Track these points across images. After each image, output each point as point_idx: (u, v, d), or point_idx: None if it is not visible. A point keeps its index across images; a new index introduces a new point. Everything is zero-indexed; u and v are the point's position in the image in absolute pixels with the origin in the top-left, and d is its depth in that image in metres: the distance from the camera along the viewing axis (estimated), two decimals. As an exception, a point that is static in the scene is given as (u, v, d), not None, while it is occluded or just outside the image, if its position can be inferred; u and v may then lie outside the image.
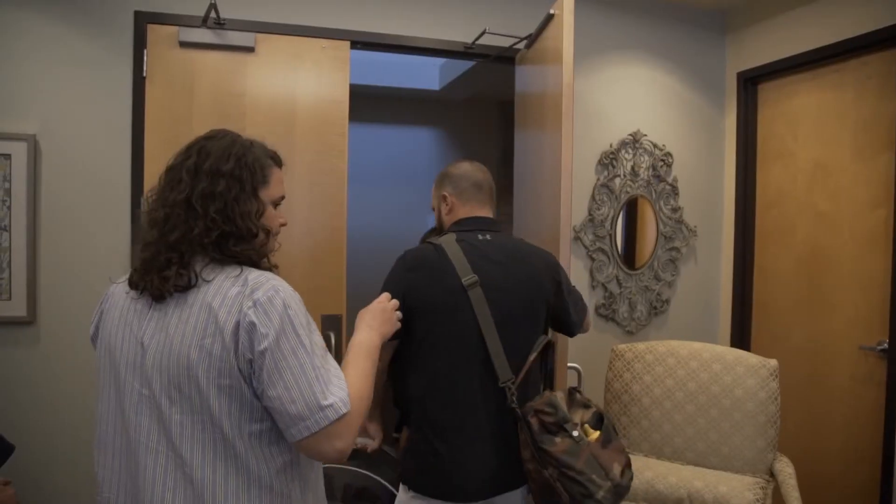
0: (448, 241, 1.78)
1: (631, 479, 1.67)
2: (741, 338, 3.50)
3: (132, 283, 1.21)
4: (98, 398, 1.25)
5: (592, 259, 3.36)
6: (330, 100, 2.90)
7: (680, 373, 2.53)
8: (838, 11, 2.93)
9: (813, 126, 3.11)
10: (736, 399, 2.43)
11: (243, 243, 1.20)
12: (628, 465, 1.67)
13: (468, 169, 1.94)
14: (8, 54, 2.56)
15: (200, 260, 1.18)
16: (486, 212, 1.91)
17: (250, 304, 1.11)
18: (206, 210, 1.18)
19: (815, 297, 3.06)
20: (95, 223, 2.68)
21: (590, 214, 3.35)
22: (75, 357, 2.66)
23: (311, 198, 2.88)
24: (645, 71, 3.46)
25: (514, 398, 1.68)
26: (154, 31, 2.72)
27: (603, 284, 3.39)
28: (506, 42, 3.04)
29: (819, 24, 3.02)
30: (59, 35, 2.62)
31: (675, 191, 3.51)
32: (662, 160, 3.46)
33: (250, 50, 2.81)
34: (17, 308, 2.57)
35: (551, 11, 2.48)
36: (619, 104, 3.41)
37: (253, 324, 1.10)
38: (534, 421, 1.64)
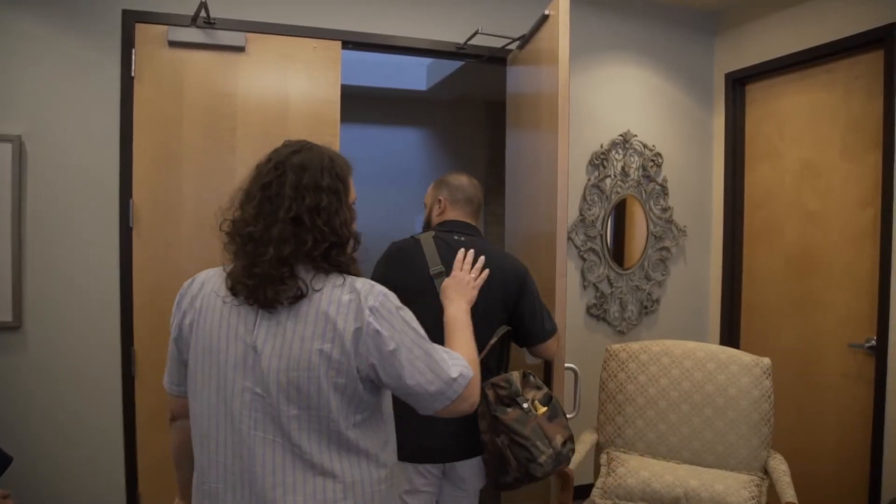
0: (426, 237, 2.00)
1: (572, 451, 1.92)
2: (731, 337, 3.53)
3: (235, 292, 1.26)
4: (192, 395, 1.31)
5: (583, 259, 3.37)
6: (321, 100, 2.87)
7: (674, 372, 2.53)
8: (826, 14, 2.96)
9: (801, 126, 3.14)
10: (730, 398, 2.44)
11: (343, 252, 1.29)
12: (570, 438, 1.92)
13: (465, 182, 2.15)
14: (-8, 53, 2.51)
15: (304, 270, 1.25)
16: (470, 220, 2.12)
17: (367, 311, 1.22)
18: (314, 224, 1.25)
19: (805, 295, 3.09)
20: (83, 225, 2.64)
21: (581, 215, 3.36)
22: (64, 362, 2.62)
23: (302, 199, 2.86)
24: (635, 71, 3.48)
25: None
26: (142, 31, 2.68)
27: (594, 284, 3.40)
28: (497, 42, 3.03)
29: (807, 26, 3.05)
30: (45, 34, 2.57)
31: (664, 191, 3.53)
32: (652, 160, 3.48)
33: (241, 50, 2.78)
34: (3, 313, 2.52)
35: (546, 12, 2.47)
36: (610, 104, 3.42)
37: (377, 331, 1.21)
38: (490, 393, 1.89)
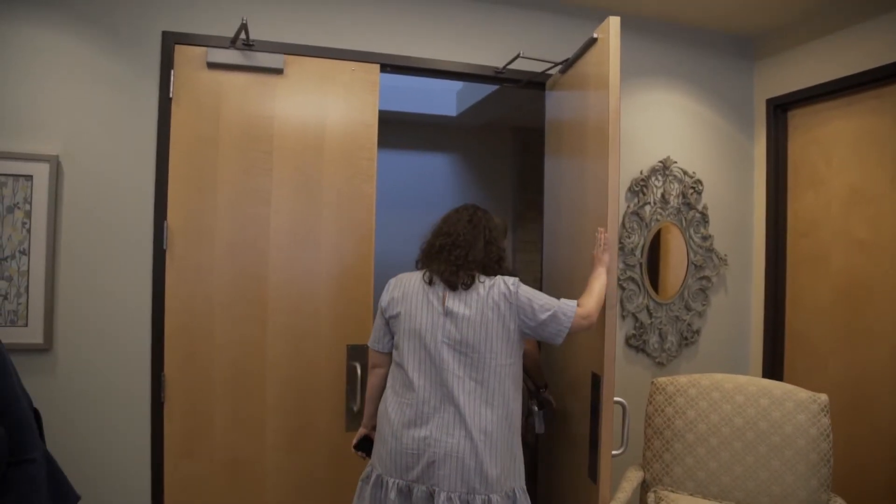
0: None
1: None
2: (773, 370, 3.39)
3: (430, 282, 2.11)
4: (402, 343, 2.10)
5: (623, 288, 3.27)
6: (359, 123, 2.83)
7: (726, 407, 2.42)
8: (873, 38, 2.88)
9: (848, 153, 3.05)
10: (786, 436, 2.32)
11: (498, 267, 2.17)
12: None
13: None
14: (32, 73, 2.50)
15: (477, 274, 2.10)
16: None
17: (509, 290, 2.05)
18: (489, 249, 2.16)
19: (855, 327, 2.97)
20: (117, 247, 2.59)
21: (620, 243, 3.27)
22: (94, 385, 2.56)
23: (339, 223, 2.80)
24: (674, 97, 3.41)
25: None
26: (182, 52, 2.66)
27: (633, 314, 3.30)
28: (537, 67, 2.98)
29: (852, 50, 2.97)
30: (84, 55, 2.56)
31: (705, 219, 3.43)
32: (692, 187, 3.39)
33: (279, 72, 2.74)
34: (34, 335, 2.47)
35: (595, 35, 2.42)
36: (649, 130, 3.35)
37: (517, 295, 2.05)
38: None
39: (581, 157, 2.55)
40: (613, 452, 2.14)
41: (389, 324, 2.16)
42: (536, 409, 2.61)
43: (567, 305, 2.03)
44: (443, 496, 1.93)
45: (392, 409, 2.06)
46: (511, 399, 2.02)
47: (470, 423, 1.95)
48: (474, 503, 1.92)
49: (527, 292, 2.04)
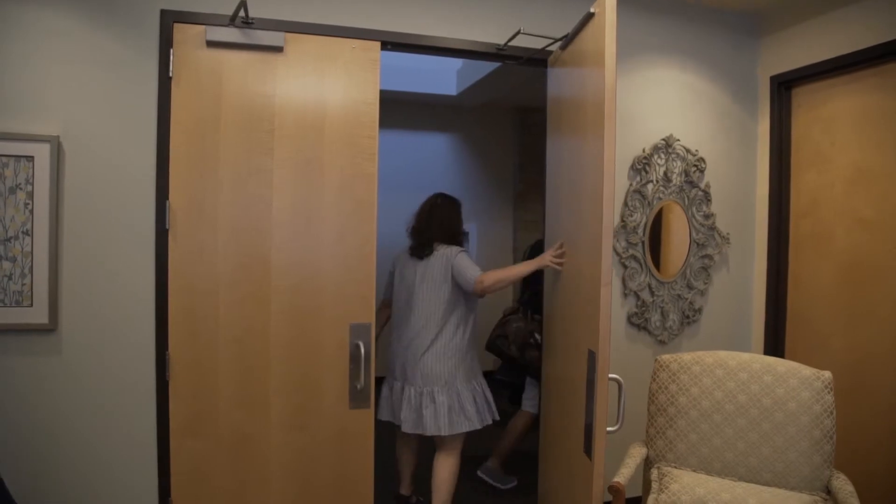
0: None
1: None
2: (775, 348, 3.41)
3: (411, 252, 3.18)
4: (396, 293, 3.23)
5: (625, 266, 3.27)
6: (360, 101, 2.80)
7: (729, 384, 2.43)
8: (876, 15, 2.86)
9: (852, 130, 3.03)
10: (789, 412, 2.33)
11: (455, 240, 3.19)
12: None
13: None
14: (31, 53, 2.47)
15: (437, 244, 3.12)
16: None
17: (451, 255, 3.06)
18: (444, 228, 3.19)
19: (857, 306, 2.97)
20: (119, 227, 2.59)
21: (622, 221, 3.26)
22: (97, 366, 2.56)
23: (341, 202, 2.79)
24: (677, 74, 3.38)
25: None
26: (181, 31, 2.63)
27: (635, 293, 3.30)
28: (538, 43, 2.96)
29: (856, 27, 2.95)
30: (83, 34, 2.53)
31: (707, 197, 3.42)
32: (695, 165, 3.38)
33: (279, 50, 2.72)
34: (39, 315, 2.47)
35: (592, 10, 2.38)
36: (652, 108, 3.33)
37: (456, 261, 3.07)
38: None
39: (580, 134, 2.53)
40: (608, 429, 2.14)
41: (393, 282, 3.28)
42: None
43: (475, 275, 2.97)
44: (411, 389, 3.05)
45: (392, 336, 3.23)
46: (452, 324, 3.06)
47: (425, 341, 3.04)
48: (428, 393, 3.00)
49: (461, 259, 3.03)
